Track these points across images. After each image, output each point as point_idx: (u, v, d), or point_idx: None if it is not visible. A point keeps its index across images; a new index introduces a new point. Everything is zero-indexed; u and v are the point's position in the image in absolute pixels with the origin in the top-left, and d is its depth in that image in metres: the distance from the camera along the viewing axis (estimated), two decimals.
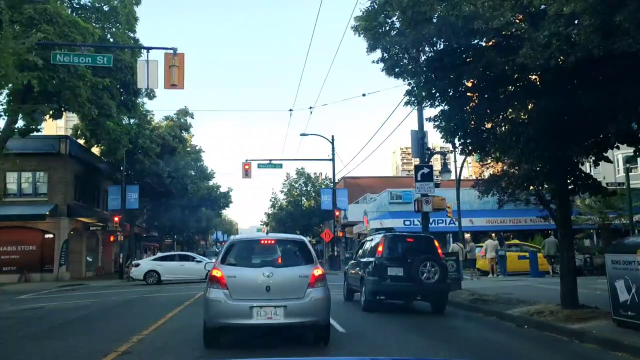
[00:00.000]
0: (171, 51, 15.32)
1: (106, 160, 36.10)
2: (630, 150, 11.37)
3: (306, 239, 9.10)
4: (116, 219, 34.92)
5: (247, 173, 32.07)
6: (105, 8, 28.18)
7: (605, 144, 10.26)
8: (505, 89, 10.42)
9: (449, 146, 16.67)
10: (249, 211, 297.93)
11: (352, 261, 15.91)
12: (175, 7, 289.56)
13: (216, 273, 7.78)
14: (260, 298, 7.58)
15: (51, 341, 9.14)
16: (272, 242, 8.83)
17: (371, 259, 13.08)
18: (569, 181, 11.25)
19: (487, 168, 20.40)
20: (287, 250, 8.79)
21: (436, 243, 13.50)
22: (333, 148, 37.49)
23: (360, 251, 15.20)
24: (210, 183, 57.26)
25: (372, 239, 14.52)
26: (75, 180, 35.26)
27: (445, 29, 8.80)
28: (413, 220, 30.94)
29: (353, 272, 14.80)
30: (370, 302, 12.67)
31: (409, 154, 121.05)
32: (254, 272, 7.87)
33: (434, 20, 9.04)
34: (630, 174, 26.18)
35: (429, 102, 11.15)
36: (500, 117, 11.04)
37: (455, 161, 33.80)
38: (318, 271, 7.95)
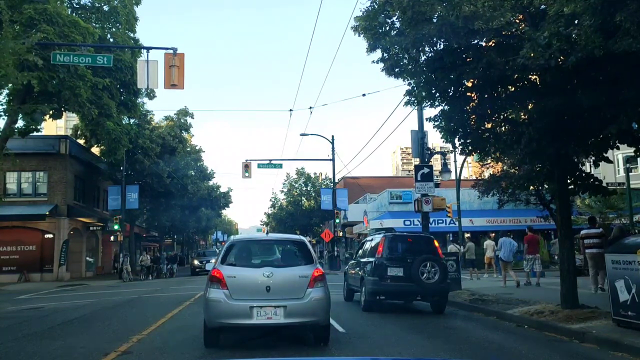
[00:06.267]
0: (171, 51, 15.32)
1: (106, 160, 36.10)
2: (630, 150, 11.37)
3: (306, 239, 9.11)
4: (116, 219, 34.91)
5: (247, 171, 32.03)
6: (105, 8, 28.20)
7: (605, 144, 10.25)
8: (505, 89, 10.42)
9: (449, 146, 16.68)
10: (249, 211, 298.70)
11: (352, 261, 15.88)
12: (175, 7, 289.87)
13: (216, 273, 7.78)
14: (260, 298, 7.58)
15: (51, 341, 9.13)
16: (272, 242, 8.95)
17: (371, 259, 13.05)
18: (569, 181, 11.25)
19: (487, 168, 20.41)
20: (286, 250, 8.84)
21: (436, 243, 13.44)
22: (333, 148, 37.52)
23: (360, 251, 15.16)
24: (210, 183, 57.25)
25: (372, 239, 14.46)
26: (75, 180, 35.26)
27: (446, 29, 8.80)
28: (413, 220, 30.98)
29: (353, 272, 14.78)
30: (370, 302, 12.66)
31: (409, 154, 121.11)
32: (254, 273, 7.86)
33: (434, 20, 9.04)
34: (630, 173, 26.20)
35: (429, 102, 11.15)
36: (501, 117, 11.04)
37: (455, 161, 33.83)
38: (318, 271, 7.95)
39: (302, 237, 9.19)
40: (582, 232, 15.23)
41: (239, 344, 8.34)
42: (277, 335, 8.10)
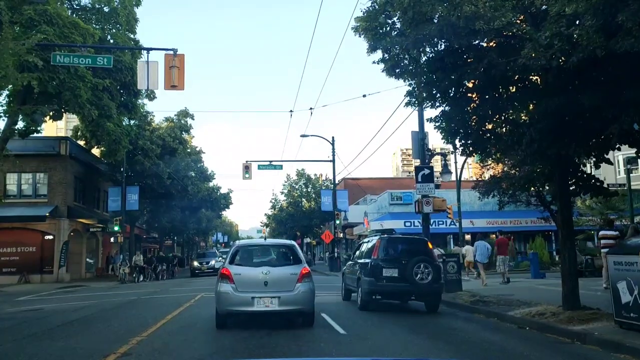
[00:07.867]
0: (171, 52, 15.31)
1: (106, 162, 36.06)
2: (631, 152, 11.34)
3: (296, 244, 11.09)
4: (116, 220, 34.84)
5: (247, 173, 32.00)
6: (106, 9, 28.17)
7: (606, 144, 10.21)
8: (506, 89, 10.39)
9: (450, 147, 16.60)
10: (249, 212, 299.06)
11: (350, 262, 16.06)
12: (175, 7, 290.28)
13: (225, 271, 9.85)
14: (259, 291, 9.59)
15: (51, 342, 9.11)
16: (269, 246, 11.37)
17: (367, 260, 13.32)
18: (570, 182, 11.22)
19: (488, 169, 20.38)
20: (280, 253, 11.02)
21: (430, 245, 13.82)
22: (333, 149, 37.46)
23: (357, 252, 15.43)
24: (211, 184, 57.17)
25: (368, 241, 14.82)
26: (75, 181, 35.24)
27: (447, 30, 8.77)
28: (413, 222, 30.96)
29: (350, 272, 14.95)
30: (366, 301, 12.97)
31: (409, 155, 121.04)
32: (255, 271, 9.87)
33: (435, 21, 9.01)
34: (631, 175, 26.19)
35: (430, 103, 11.13)
36: (502, 117, 11.01)
37: (455, 162, 33.80)
38: (305, 270, 10.00)
39: (293, 242, 11.28)
40: (601, 232, 16.24)
41: (243, 329, 9.34)
42: (273, 319, 9.90)
